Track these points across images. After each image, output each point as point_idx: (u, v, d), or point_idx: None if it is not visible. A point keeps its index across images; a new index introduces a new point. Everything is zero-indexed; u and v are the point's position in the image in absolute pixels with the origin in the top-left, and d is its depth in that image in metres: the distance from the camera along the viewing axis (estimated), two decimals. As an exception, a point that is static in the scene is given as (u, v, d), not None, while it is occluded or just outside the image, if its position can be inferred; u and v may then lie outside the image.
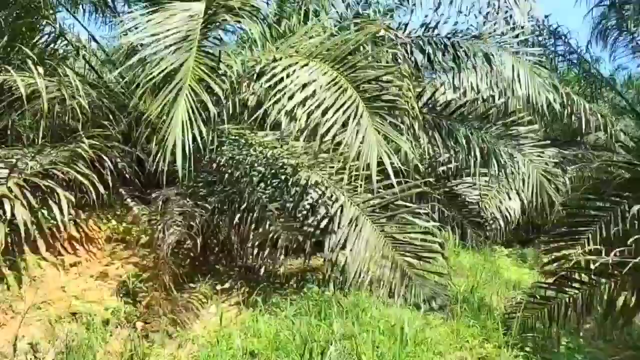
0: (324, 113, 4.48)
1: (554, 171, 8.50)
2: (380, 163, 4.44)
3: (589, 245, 5.50)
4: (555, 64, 12.38)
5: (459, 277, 6.21)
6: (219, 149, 5.95)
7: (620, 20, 11.46)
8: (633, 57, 11.63)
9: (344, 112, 4.46)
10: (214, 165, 6.01)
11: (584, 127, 10.28)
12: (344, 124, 4.42)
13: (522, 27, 9.30)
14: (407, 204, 5.61)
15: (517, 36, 8.77)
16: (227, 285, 5.53)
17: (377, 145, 4.28)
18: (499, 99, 8.43)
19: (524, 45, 9.18)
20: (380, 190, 5.24)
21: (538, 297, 4.75)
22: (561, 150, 10.54)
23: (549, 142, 8.85)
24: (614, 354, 4.83)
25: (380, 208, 5.58)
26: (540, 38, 11.79)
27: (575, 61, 12.70)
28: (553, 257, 5.77)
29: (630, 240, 3.98)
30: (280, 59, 5.03)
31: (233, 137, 6.04)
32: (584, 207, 5.97)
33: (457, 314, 4.95)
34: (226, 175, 5.83)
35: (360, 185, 4.77)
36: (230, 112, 5.19)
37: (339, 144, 4.65)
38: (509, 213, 9.02)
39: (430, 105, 7.89)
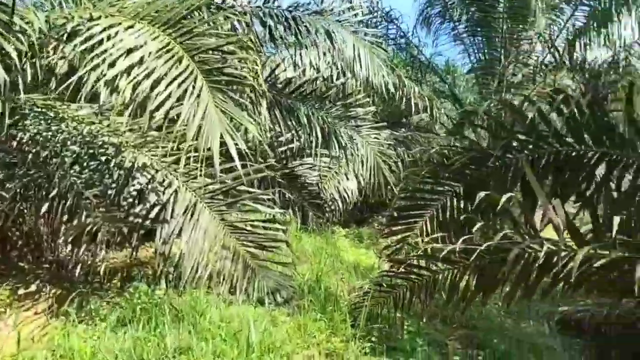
0: (155, 85, 3.78)
1: (388, 152, 8.75)
2: (221, 144, 3.89)
3: (426, 228, 5.59)
4: (386, 46, 12.74)
5: (302, 263, 5.99)
6: (20, 124, 4.89)
7: (444, 9, 12.13)
8: (454, 45, 12.40)
9: (179, 85, 3.81)
10: (14, 143, 4.95)
11: (413, 109, 10.74)
12: (179, 99, 3.78)
13: (361, 7, 9.32)
14: (250, 189, 5.17)
15: (355, 15, 8.75)
16: (32, 287, 4.77)
17: (219, 124, 3.71)
18: (337, 79, 8.37)
19: (362, 25, 9.18)
20: (221, 175, 4.69)
21: (384, 285, 4.66)
22: (393, 131, 10.96)
23: (385, 123, 9.07)
24: (451, 334, 4.99)
25: (220, 194, 5.07)
26: (374, 20, 12.01)
27: (403, 45, 13.23)
28: (393, 241, 5.79)
29: (475, 227, 3.96)
30: (99, 17, 4.17)
31: (39, 110, 4.99)
32: (420, 191, 6.04)
33: (303, 307, 4.66)
34: (30, 155, 4.84)
35: (199, 168, 4.15)
36: (33, 79, 4.21)
37: (173, 121, 3.99)
38: (347, 194, 9.11)
39: (271, 82, 7.55)
